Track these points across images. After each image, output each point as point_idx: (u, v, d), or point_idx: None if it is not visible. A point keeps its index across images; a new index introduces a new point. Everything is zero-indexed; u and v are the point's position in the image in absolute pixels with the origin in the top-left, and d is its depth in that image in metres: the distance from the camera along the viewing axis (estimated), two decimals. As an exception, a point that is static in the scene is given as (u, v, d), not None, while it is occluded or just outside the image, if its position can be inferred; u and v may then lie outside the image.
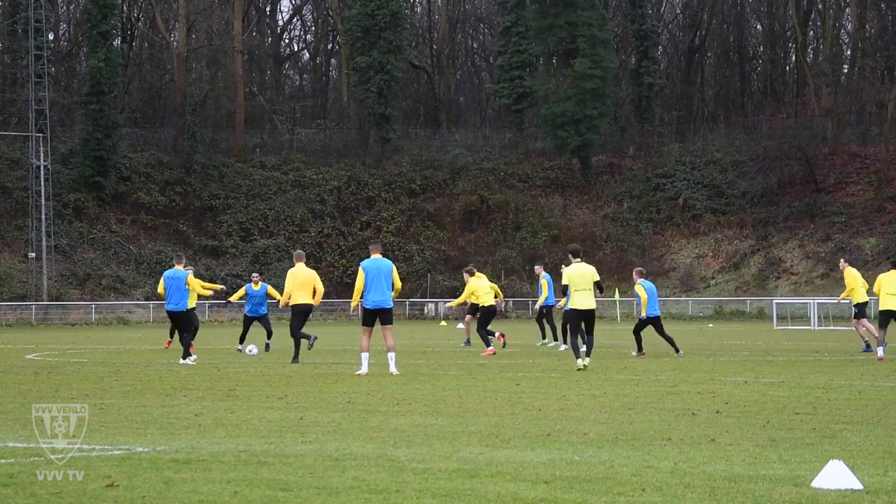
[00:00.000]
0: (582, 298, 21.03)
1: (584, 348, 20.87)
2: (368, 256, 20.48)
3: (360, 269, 20.12)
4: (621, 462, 9.37)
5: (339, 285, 62.95)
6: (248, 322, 27.78)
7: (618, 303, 57.41)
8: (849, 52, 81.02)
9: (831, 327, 46.28)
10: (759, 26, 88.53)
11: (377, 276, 19.86)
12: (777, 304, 52.49)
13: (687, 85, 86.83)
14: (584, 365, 20.61)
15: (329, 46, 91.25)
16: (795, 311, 53.55)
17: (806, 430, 11.51)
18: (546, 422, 12.38)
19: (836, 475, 8.06)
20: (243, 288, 28.15)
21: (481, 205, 71.65)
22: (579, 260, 21.44)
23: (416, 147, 76.95)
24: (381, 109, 72.49)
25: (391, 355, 19.98)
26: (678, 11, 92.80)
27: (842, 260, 28.81)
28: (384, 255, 20.72)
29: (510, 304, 65.20)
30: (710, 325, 52.55)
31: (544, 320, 29.93)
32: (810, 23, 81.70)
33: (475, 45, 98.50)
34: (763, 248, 66.69)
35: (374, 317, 19.96)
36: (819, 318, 48.40)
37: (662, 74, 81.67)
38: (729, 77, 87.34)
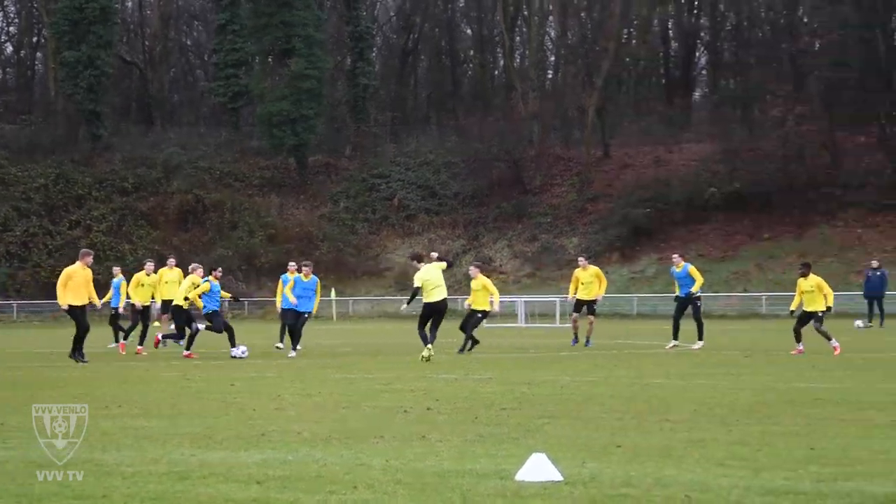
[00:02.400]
0: (435, 294, 23.11)
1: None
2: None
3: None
4: (334, 460, 9.48)
5: (45, 286, 60.68)
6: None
7: (334, 303, 57.67)
8: (553, 58, 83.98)
9: (538, 324, 47.96)
10: (469, 31, 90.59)
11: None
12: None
13: (401, 87, 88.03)
14: (429, 355, 22.14)
15: (35, 39, 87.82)
16: (504, 308, 55.13)
17: (512, 425, 11.90)
18: (260, 422, 12.38)
19: (538, 468, 8.37)
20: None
21: (197, 204, 70.53)
22: (424, 263, 23.46)
23: (129, 144, 74.98)
24: (91, 105, 70.37)
25: None
26: (392, 14, 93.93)
27: (581, 258, 30.18)
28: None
29: (226, 304, 64.44)
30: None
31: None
32: (517, 28, 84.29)
33: (189, 43, 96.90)
34: (474, 247, 68.32)
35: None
36: (526, 315, 50.10)
37: (377, 76, 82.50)
38: (441, 80, 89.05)
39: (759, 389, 15.85)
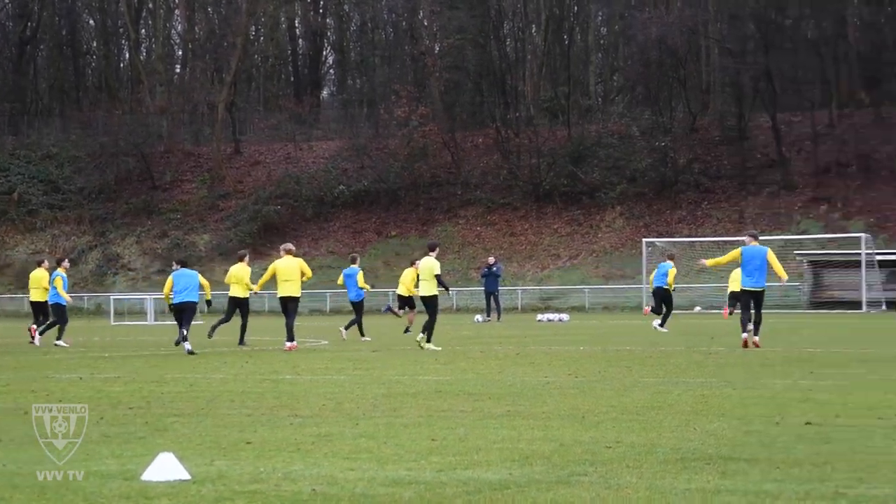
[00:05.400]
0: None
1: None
2: None
3: None
4: (-56, 468, 9.05)
5: None
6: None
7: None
8: (180, 53, 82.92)
9: (166, 322, 47.17)
10: (91, 21, 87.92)
11: None
12: (115, 299, 52.65)
13: (20, 76, 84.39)
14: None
15: None
16: (133, 306, 54.08)
17: (139, 425, 11.75)
18: None
19: (164, 467, 8.32)
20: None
21: None
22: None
23: None
24: None
25: None
26: (6, 1, 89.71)
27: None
28: None
29: None
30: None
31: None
32: (143, 21, 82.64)
33: None
34: (101, 244, 66.64)
35: None
36: (156, 312, 49.22)
37: (-7, 64, 78.85)
38: (63, 70, 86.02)
39: (385, 383, 16.33)
